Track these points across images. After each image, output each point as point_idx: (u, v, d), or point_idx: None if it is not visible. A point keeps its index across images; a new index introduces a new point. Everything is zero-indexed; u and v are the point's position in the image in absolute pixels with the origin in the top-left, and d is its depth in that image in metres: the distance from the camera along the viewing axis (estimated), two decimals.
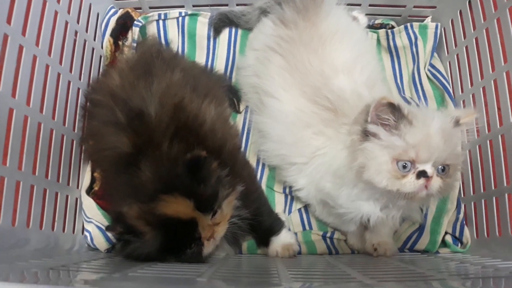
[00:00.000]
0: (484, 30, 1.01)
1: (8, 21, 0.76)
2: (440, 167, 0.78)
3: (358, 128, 0.81)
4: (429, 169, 0.76)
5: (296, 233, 1.05)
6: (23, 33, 0.81)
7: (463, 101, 1.10)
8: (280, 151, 0.99)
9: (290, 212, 1.09)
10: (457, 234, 1.04)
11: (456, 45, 1.15)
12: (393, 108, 0.76)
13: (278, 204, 1.09)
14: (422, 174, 0.76)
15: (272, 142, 1.00)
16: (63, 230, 0.93)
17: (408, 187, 0.76)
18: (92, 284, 0.54)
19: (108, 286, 0.46)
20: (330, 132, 0.90)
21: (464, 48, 1.10)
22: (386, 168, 0.77)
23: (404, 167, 0.76)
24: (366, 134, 0.79)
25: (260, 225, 0.95)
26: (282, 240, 0.97)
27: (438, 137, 0.75)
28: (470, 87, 1.07)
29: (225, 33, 1.22)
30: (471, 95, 1.06)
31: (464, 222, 1.05)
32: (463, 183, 1.07)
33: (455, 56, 1.14)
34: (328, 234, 1.05)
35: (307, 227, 1.08)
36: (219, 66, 1.21)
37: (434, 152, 0.75)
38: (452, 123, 0.79)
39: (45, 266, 0.68)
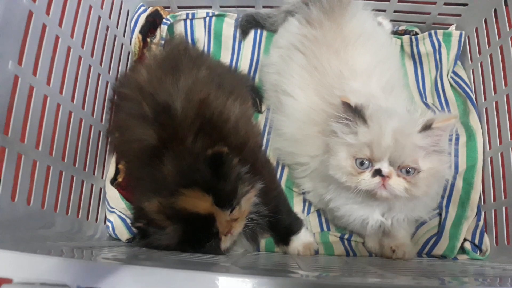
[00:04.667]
0: (510, 38, 1.01)
1: (47, 12, 0.79)
2: (404, 169, 0.77)
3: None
4: (385, 168, 0.77)
5: (314, 234, 1.05)
6: (60, 25, 0.83)
7: (486, 109, 1.09)
8: (290, 149, 0.99)
9: (308, 212, 1.09)
10: (476, 241, 1.02)
11: (480, 53, 1.14)
12: (350, 108, 0.79)
13: (297, 204, 1.09)
14: (377, 172, 0.78)
15: (285, 140, 1.00)
16: (87, 218, 0.96)
17: (363, 184, 0.78)
18: (118, 261, 0.56)
19: (134, 264, 0.47)
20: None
21: (488, 56, 1.10)
22: (345, 164, 0.80)
23: (362, 164, 0.79)
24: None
25: (279, 223, 0.96)
26: (303, 239, 0.98)
27: (389, 137, 0.76)
28: (493, 94, 1.07)
29: (250, 34, 1.24)
30: (494, 103, 1.06)
31: (484, 229, 1.04)
32: (483, 190, 1.06)
33: (479, 64, 1.14)
34: (346, 236, 1.05)
35: (325, 228, 1.08)
36: (243, 66, 1.23)
37: (385, 151, 0.77)
38: (418, 127, 0.77)
39: (70, 246, 0.71)
